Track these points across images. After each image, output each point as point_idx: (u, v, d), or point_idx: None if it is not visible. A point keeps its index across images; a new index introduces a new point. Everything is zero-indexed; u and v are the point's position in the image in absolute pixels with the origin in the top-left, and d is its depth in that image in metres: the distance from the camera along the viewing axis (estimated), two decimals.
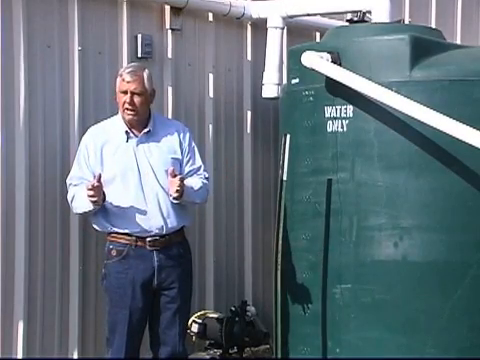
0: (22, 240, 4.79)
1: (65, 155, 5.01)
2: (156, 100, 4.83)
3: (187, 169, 4.66)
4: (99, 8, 5.26)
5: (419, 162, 4.51)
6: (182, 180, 4.46)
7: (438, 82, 4.50)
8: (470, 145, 4.15)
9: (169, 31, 5.68)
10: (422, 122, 4.28)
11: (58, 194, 4.97)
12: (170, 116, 5.63)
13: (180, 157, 4.64)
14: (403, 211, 4.53)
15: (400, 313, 4.50)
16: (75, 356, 5.08)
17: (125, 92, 4.51)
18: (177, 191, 4.43)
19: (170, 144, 4.62)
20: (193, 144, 4.73)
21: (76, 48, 5.08)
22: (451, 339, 4.47)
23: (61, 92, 5.03)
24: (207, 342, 5.51)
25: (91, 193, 4.33)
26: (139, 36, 5.43)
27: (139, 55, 5.43)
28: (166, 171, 4.49)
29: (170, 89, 5.67)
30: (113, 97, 4.68)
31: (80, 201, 4.50)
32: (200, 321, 5.43)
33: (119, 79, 4.54)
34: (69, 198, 4.58)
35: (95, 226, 4.60)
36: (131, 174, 4.48)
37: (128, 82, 4.50)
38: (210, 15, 5.96)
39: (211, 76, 5.97)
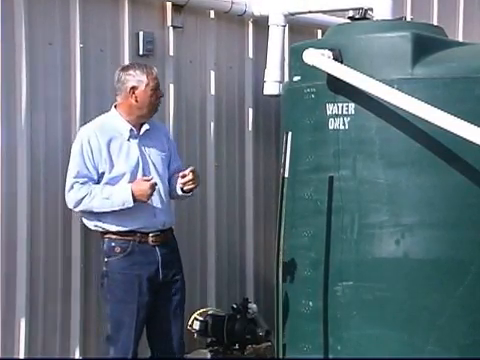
0: (24, 238, 4.78)
1: (67, 152, 4.98)
2: None
3: (175, 166, 4.80)
4: (100, 5, 5.25)
5: (421, 159, 4.51)
6: (193, 171, 4.63)
7: (440, 79, 4.50)
8: (472, 142, 4.15)
9: (171, 28, 5.67)
10: (424, 119, 4.28)
11: (60, 191, 4.96)
12: (171, 114, 5.64)
13: (169, 154, 4.77)
14: (405, 208, 4.54)
15: (401, 310, 4.50)
16: (77, 356, 5.08)
17: (157, 88, 4.64)
18: (193, 181, 4.61)
19: (161, 142, 4.75)
20: (173, 142, 4.95)
21: (77, 45, 5.07)
22: (453, 336, 4.47)
23: (63, 89, 5.03)
24: (208, 339, 5.51)
25: (152, 190, 4.46)
26: (141, 33, 5.43)
27: (141, 52, 5.43)
28: (161, 168, 4.66)
29: (171, 86, 5.67)
30: (131, 97, 4.58)
31: (103, 201, 4.45)
32: (202, 318, 5.43)
33: (149, 77, 4.58)
34: (79, 196, 4.49)
35: (97, 227, 4.59)
36: (137, 172, 4.55)
37: (156, 78, 4.64)
38: (212, 12, 5.95)
39: (212, 73, 5.97)
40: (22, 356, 4.80)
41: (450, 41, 4.99)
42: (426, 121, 4.27)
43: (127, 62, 5.31)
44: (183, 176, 4.61)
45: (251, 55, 6.24)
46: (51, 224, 4.96)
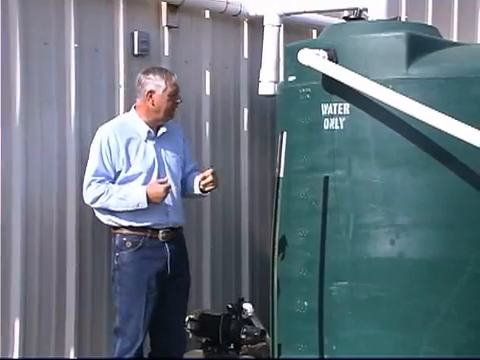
0: (18, 238, 4.78)
1: (62, 151, 5.01)
2: None
3: (190, 167, 5.00)
4: (95, 5, 5.25)
5: (416, 159, 4.51)
6: (214, 173, 4.82)
7: (434, 80, 4.50)
8: (466, 143, 4.16)
9: (166, 28, 5.67)
10: (419, 120, 4.28)
11: (55, 191, 4.97)
12: None
13: (183, 156, 4.94)
14: (400, 208, 4.54)
15: (396, 310, 4.51)
16: (72, 356, 5.07)
17: (175, 94, 4.78)
18: (213, 183, 4.81)
19: (177, 144, 4.92)
20: (187, 144, 5.06)
21: (72, 45, 5.07)
22: (447, 336, 4.47)
23: (57, 89, 5.02)
24: (203, 339, 5.51)
25: (166, 193, 4.61)
26: (136, 33, 5.43)
27: (135, 52, 5.43)
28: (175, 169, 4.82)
29: None
30: (149, 100, 4.73)
31: (118, 201, 4.61)
32: (197, 318, 5.43)
33: (168, 82, 4.75)
34: (96, 194, 4.64)
35: (110, 221, 4.72)
36: (153, 172, 4.71)
37: (175, 84, 4.79)
38: (207, 12, 5.95)
39: (208, 73, 5.97)
40: (16, 356, 4.79)
41: (445, 41, 4.99)
42: (421, 121, 4.28)
43: (122, 62, 5.34)
44: (203, 178, 4.79)
45: (246, 55, 6.24)
46: (46, 223, 4.95)
